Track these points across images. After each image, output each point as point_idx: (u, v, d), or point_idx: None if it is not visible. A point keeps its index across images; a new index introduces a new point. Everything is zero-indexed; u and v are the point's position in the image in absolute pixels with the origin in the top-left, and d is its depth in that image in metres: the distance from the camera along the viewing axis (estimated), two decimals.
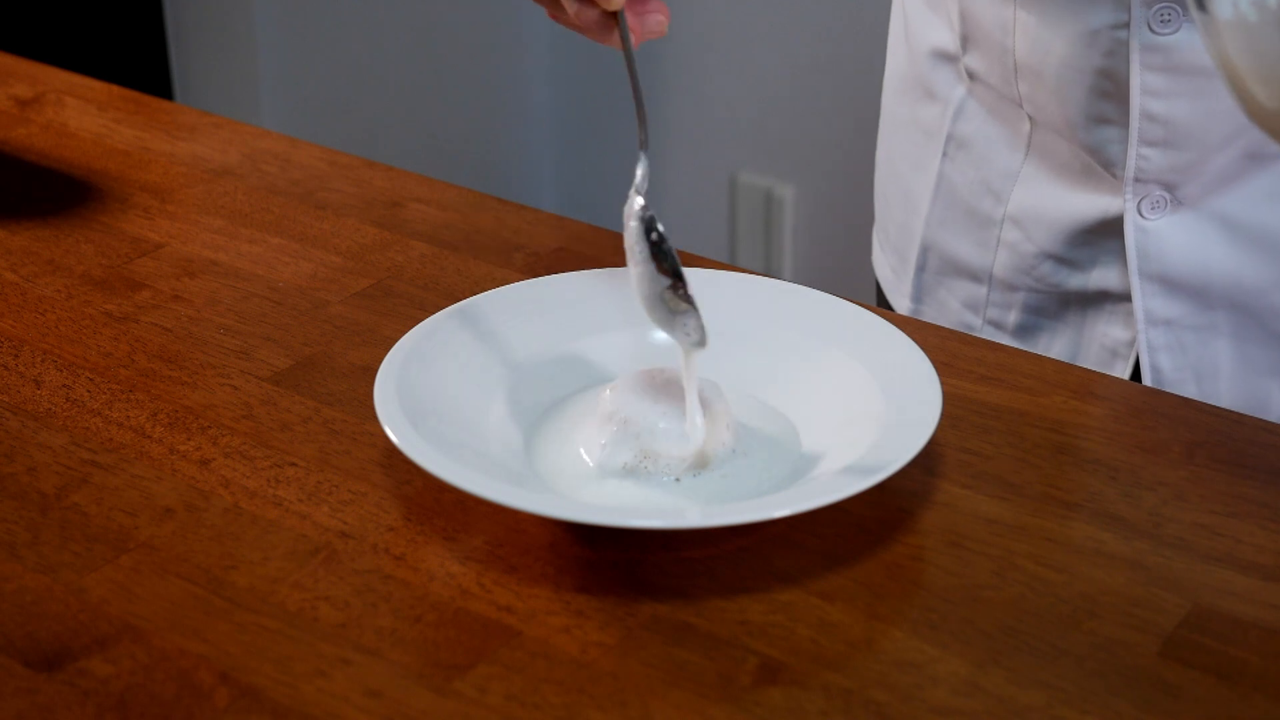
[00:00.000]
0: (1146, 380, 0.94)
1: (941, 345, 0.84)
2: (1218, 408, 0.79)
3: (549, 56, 2.43)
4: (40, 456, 0.76)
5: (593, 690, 0.62)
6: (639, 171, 0.75)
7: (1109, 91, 0.89)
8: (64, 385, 0.81)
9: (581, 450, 0.74)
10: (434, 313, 0.81)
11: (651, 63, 2.35)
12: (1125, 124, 0.89)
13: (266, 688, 0.62)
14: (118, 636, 0.64)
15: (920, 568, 0.68)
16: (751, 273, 0.87)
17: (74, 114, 1.14)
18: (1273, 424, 0.78)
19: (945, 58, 1.00)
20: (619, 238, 0.96)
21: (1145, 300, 0.92)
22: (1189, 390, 0.93)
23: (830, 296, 0.82)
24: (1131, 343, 0.95)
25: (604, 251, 0.95)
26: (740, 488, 0.72)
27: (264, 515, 0.72)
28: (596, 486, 0.72)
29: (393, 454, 0.75)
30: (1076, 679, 0.62)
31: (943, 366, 0.79)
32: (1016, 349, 0.84)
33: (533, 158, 2.47)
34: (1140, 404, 0.80)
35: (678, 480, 0.72)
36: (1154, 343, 0.93)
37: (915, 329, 0.84)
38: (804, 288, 0.82)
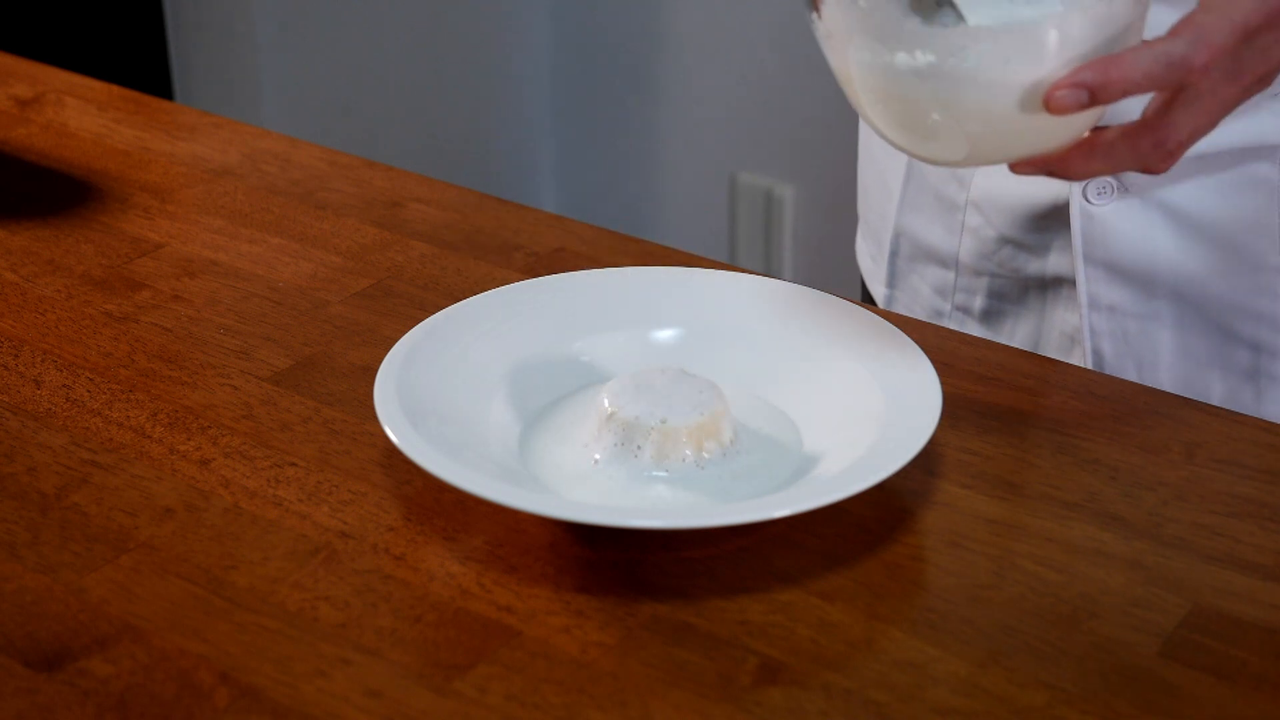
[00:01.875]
0: (1089, 366, 0.94)
1: (941, 345, 0.84)
2: (1218, 408, 0.79)
3: (549, 56, 2.43)
4: (40, 456, 0.76)
5: (593, 690, 0.62)
6: None
7: None
8: (64, 385, 0.81)
9: (581, 450, 0.74)
10: (434, 313, 0.81)
11: (651, 63, 2.35)
12: None
13: (266, 688, 0.62)
14: (118, 636, 0.64)
15: (920, 568, 0.68)
16: (751, 273, 0.87)
17: (74, 114, 1.14)
18: (1273, 424, 0.78)
19: None
20: (619, 238, 0.96)
21: (1089, 285, 0.93)
22: (1129, 378, 0.94)
23: (830, 296, 0.82)
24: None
25: (604, 251, 0.95)
26: (740, 488, 0.72)
27: (264, 515, 0.72)
28: (596, 486, 0.72)
29: (393, 454, 0.75)
30: (1076, 679, 0.62)
31: (943, 366, 0.79)
32: (1017, 349, 0.85)
33: (533, 158, 2.47)
34: (1140, 404, 0.80)
35: (675, 471, 0.72)
36: (1097, 328, 0.94)
37: (915, 329, 0.84)
38: (804, 288, 0.82)
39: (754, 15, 2.23)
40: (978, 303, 1.01)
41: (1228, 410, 0.79)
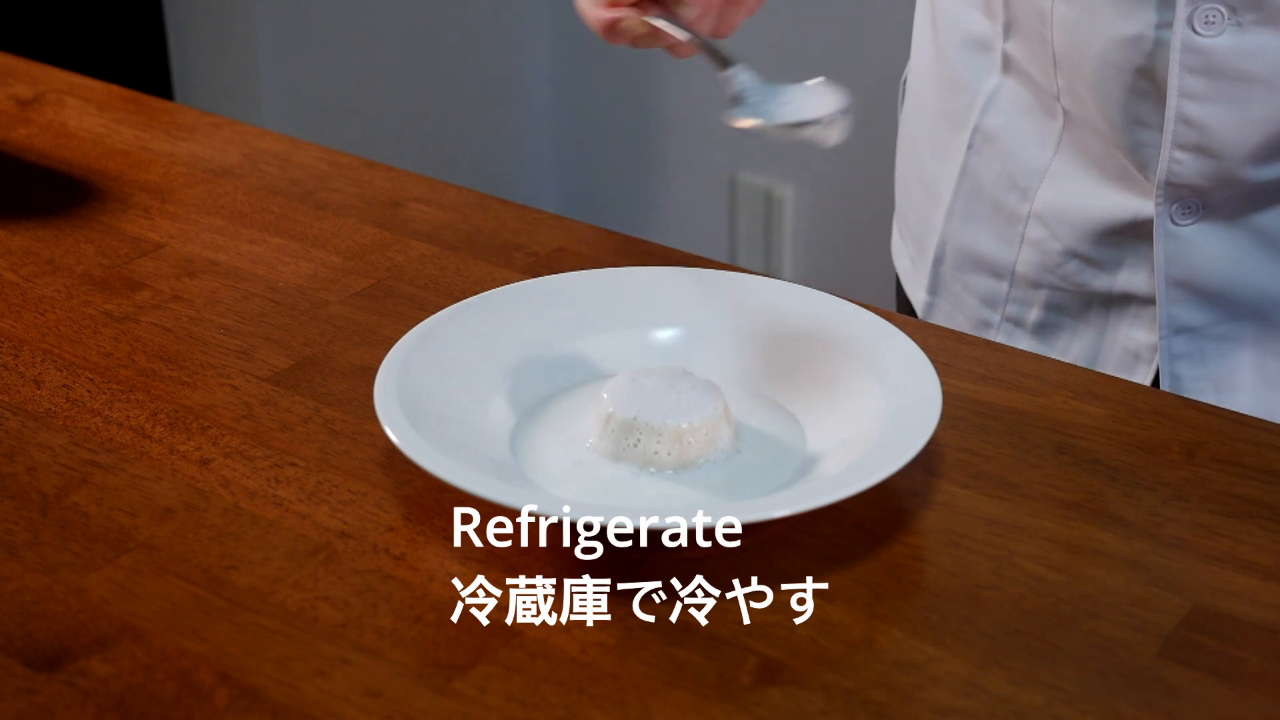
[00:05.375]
0: (1164, 388, 0.93)
1: (941, 345, 0.84)
2: (1217, 408, 0.79)
3: (549, 57, 2.43)
4: (40, 456, 0.76)
5: (593, 690, 0.62)
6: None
7: (1146, 91, 0.87)
8: (64, 385, 0.81)
9: (581, 450, 0.74)
10: (434, 313, 0.81)
11: (651, 63, 2.35)
12: (1161, 126, 0.87)
13: (266, 688, 0.62)
14: (118, 636, 0.64)
15: (920, 568, 0.68)
16: (751, 273, 0.87)
17: (74, 114, 1.14)
18: (1272, 424, 0.78)
19: (978, 47, 0.98)
20: (619, 238, 0.96)
21: (1169, 306, 0.91)
22: (1207, 400, 0.91)
23: (831, 296, 0.82)
24: (1155, 348, 0.94)
25: (604, 251, 0.95)
26: (740, 488, 0.72)
27: (264, 515, 0.72)
28: (596, 486, 0.72)
29: (393, 454, 0.75)
30: (1076, 679, 0.62)
31: (943, 366, 0.79)
32: (1016, 349, 0.84)
33: (533, 158, 2.47)
34: (1140, 404, 0.80)
35: (675, 471, 0.72)
36: (1175, 350, 0.92)
37: (915, 329, 0.84)
38: (804, 288, 0.82)
39: (754, 16, 2.23)
40: (1032, 315, 0.98)
41: (1228, 410, 0.79)
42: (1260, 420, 0.78)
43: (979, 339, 0.85)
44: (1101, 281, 0.95)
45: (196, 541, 0.70)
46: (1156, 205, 0.89)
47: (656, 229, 2.40)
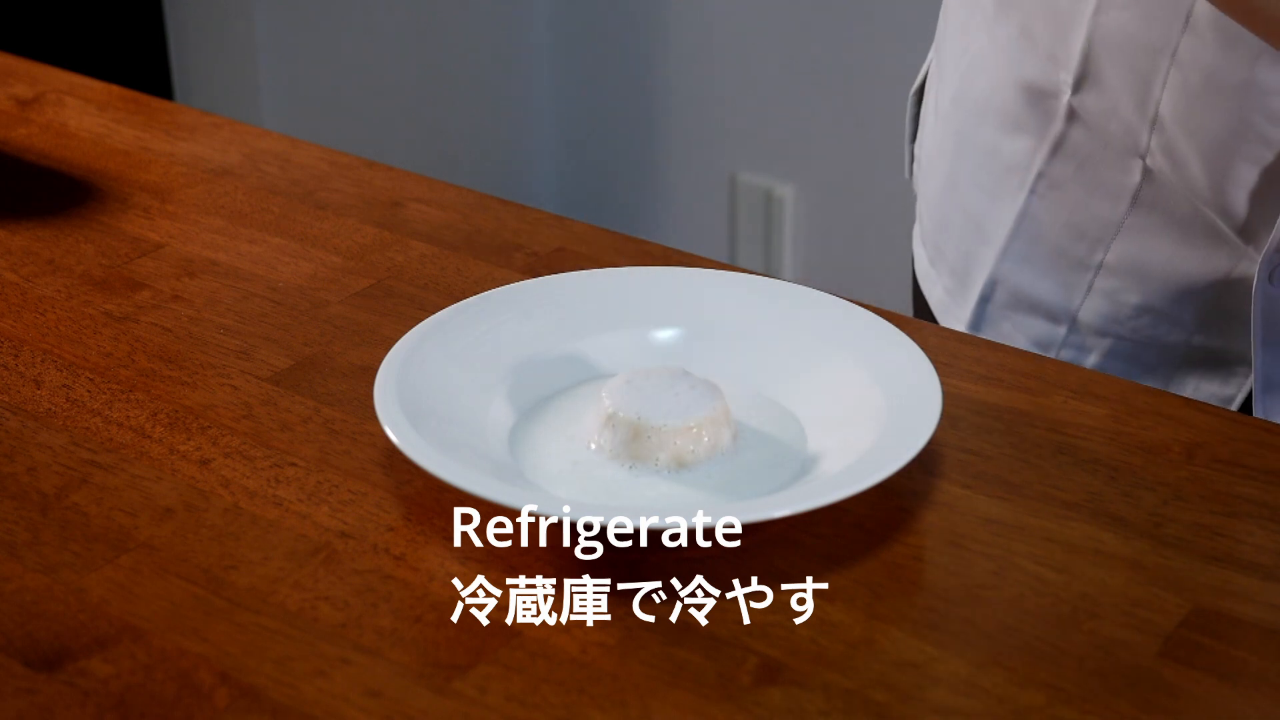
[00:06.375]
0: None
1: (942, 345, 0.84)
2: (1217, 407, 0.79)
3: (549, 56, 2.43)
4: (40, 456, 0.76)
5: (593, 690, 0.62)
6: None
7: (1267, 159, 0.85)
8: (64, 385, 0.81)
9: (581, 450, 0.74)
10: (434, 313, 0.81)
11: (651, 63, 2.35)
12: (1274, 192, 0.85)
13: (266, 688, 0.62)
14: (118, 636, 0.64)
15: (920, 568, 0.68)
16: (751, 273, 0.87)
17: (74, 114, 1.14)
18: (1273, 424, 0.78)
19: (1039, 93, 0.93)
20: (619, 238, 0.96)
21: (1265, 369, 0.89)
22: None
23: (830, 296, 0.82)
24: (1227, 401, 0.92)
25: (604, 251, 0.95)
26: (740, 487, 0.72)
27: (264, 515, 0.72)
28: (596, 486, 0.72)
29: (393, 454, 0.75)
30: (1076, 679, 0.62)
31: (943, 366, 0.79)
32: (1017, 349, 0.84)
33: (533, 158, 2.47)
34: (1140, 404, 0.80)
35: (675, 471, 0.72)
36: (1270, 410, 0.91)
37: (915, 329, 0.84)
38: (804, 288, 0.82)
39: (754, 15, 2.23)
40: (1090, 360, 0.96)
41: (1228, 410, 0.79)
42: (1260, 420, 0.78)
43: (979, 339, 0.85)
44: (1177, 336, 0.93)
45: (196, 541, 0.70)
46: (1257, 269, 0.87)
47: (656, 229, 2.40)
